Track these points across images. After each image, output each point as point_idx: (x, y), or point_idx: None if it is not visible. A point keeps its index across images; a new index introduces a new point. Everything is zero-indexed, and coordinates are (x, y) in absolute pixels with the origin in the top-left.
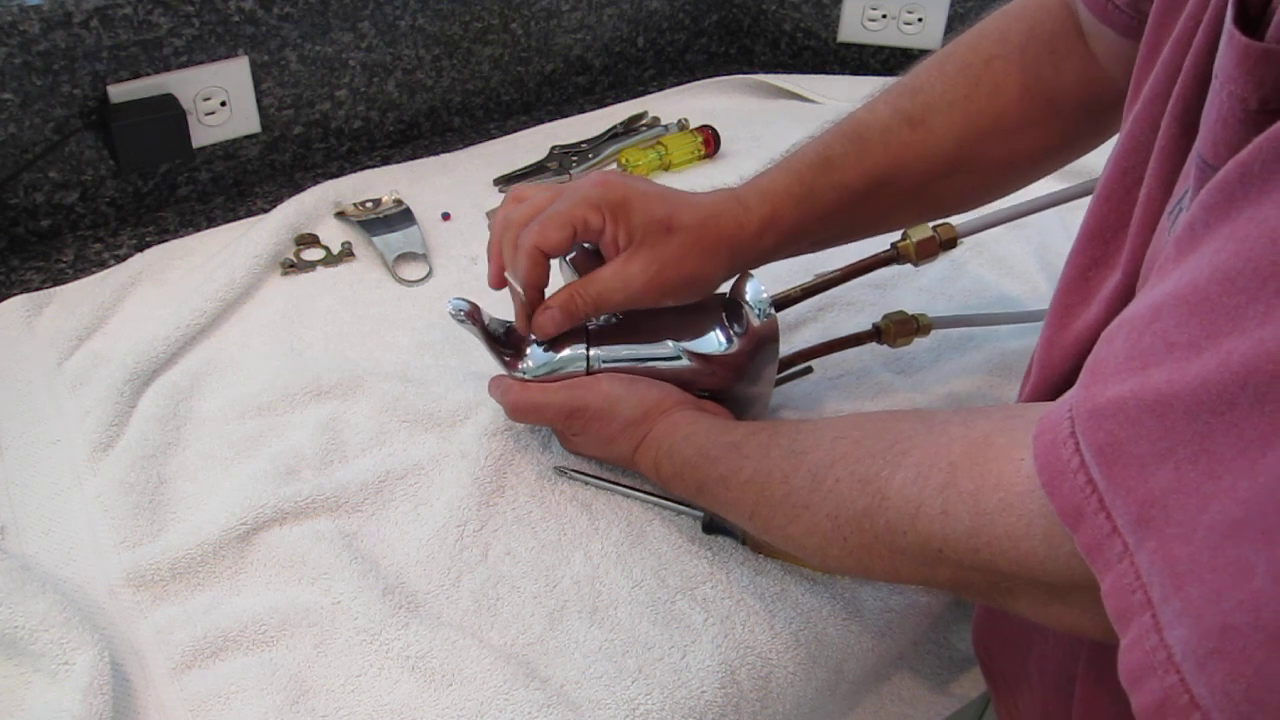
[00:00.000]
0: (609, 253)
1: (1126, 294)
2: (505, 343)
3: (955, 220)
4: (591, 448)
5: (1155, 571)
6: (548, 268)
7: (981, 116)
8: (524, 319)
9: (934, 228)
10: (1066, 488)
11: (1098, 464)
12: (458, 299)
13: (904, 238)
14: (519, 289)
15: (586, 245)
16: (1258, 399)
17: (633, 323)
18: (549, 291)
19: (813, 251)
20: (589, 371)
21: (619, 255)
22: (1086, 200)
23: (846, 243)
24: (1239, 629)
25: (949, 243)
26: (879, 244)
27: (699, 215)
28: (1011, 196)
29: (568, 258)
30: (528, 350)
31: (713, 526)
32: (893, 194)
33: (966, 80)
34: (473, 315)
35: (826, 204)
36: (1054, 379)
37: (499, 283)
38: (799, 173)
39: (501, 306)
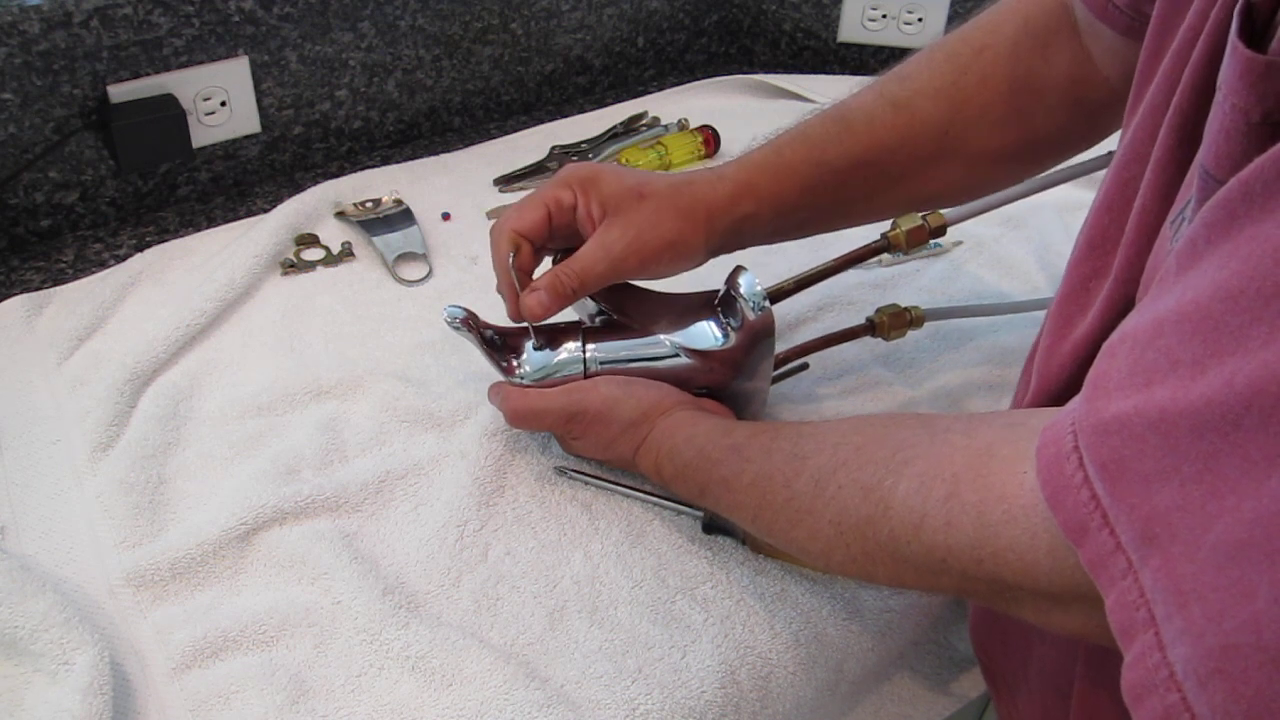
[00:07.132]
0: (586, 228)
1: (1121, 303)
2: (502, 348)
3: (945, 209)
4: (592, 451)
5: (1159, 590)
6: (531, 253)
7: (968, 105)
8: (515, 305)
9: (923, 216)
10: (1070, 502)
11: (1101, 480)
12: (453, 306)
13: (894, 227)
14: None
15: (570, 248)
16: (1262, 421)
17: (628, 320)
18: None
19: (801, 234)
20: (586, 371)
21: (596, 229)
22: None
23: (837, 228)
24: (1240, 649)
25: (938, 230)
26: (870, 234)
27: (671, 181)
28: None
29: (553, 260)
30: (524, 354)
31: (713, 526)
32: (876, 176)
33: (954, 68)
34: (468, 322)
35: (805, 178)
36: (1052, 388)
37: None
38: (776, 146)
39: (499, 311)
